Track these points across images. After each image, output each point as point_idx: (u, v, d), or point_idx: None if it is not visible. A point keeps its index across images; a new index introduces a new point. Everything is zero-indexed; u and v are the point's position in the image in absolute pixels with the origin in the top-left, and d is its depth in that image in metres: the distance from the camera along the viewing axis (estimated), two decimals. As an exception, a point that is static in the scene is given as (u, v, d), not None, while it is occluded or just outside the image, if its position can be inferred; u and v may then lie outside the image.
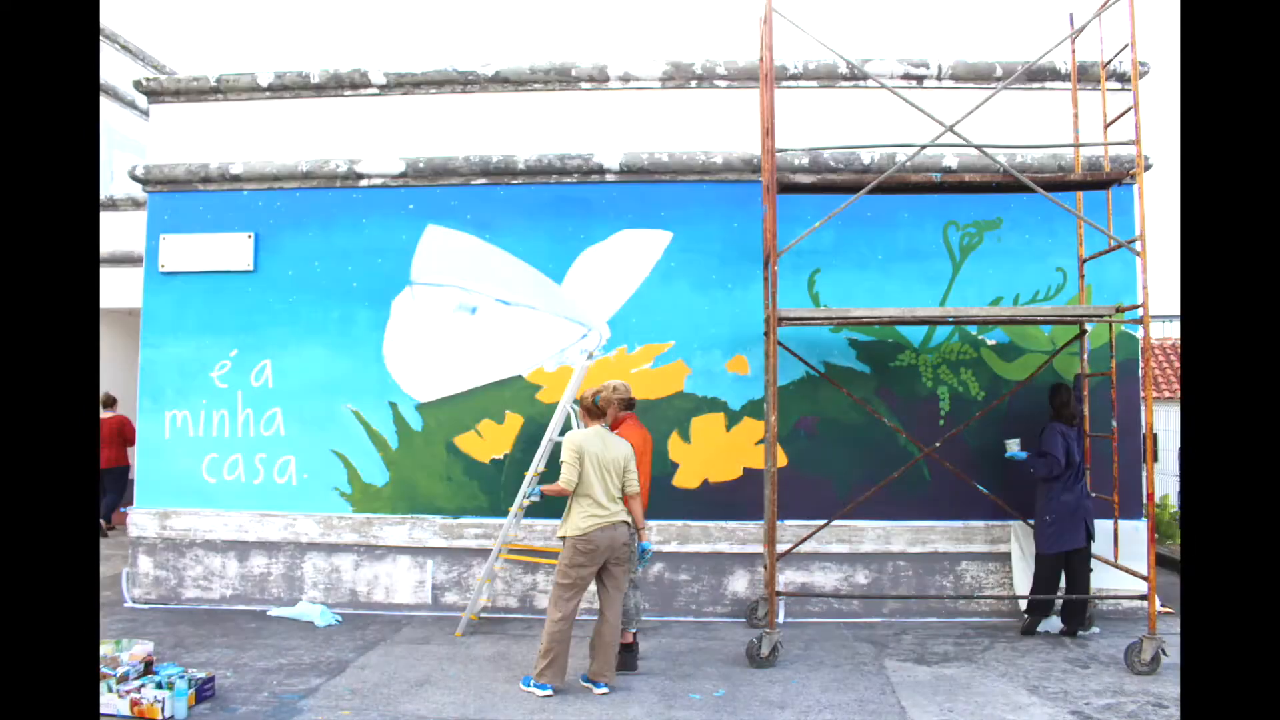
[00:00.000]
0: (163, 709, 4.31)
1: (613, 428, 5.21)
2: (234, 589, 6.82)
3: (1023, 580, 6.40)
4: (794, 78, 6.76)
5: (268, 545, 6.80)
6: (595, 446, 4.89)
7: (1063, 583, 6.07)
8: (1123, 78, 6.64)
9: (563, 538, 4.91)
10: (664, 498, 6.59)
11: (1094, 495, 6.14)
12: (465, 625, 6.07)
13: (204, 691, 4.62)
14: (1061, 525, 5.98)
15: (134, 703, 4.33)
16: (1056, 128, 6.67)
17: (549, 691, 4.80)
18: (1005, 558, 6.50)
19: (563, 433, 5.92)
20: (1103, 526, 6.31)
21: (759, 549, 6.51)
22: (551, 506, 6.49)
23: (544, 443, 6.03)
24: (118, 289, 8.14)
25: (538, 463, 5.99)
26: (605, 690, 4.86)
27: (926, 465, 6.49)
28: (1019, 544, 6.44)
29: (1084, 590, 5.98)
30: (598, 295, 6.72)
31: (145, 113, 8.05)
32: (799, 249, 6.65)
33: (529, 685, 4.87)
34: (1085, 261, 6.43)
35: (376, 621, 6.37)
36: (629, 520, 4.97)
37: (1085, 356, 6.36)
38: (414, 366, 6.77)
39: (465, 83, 6.92)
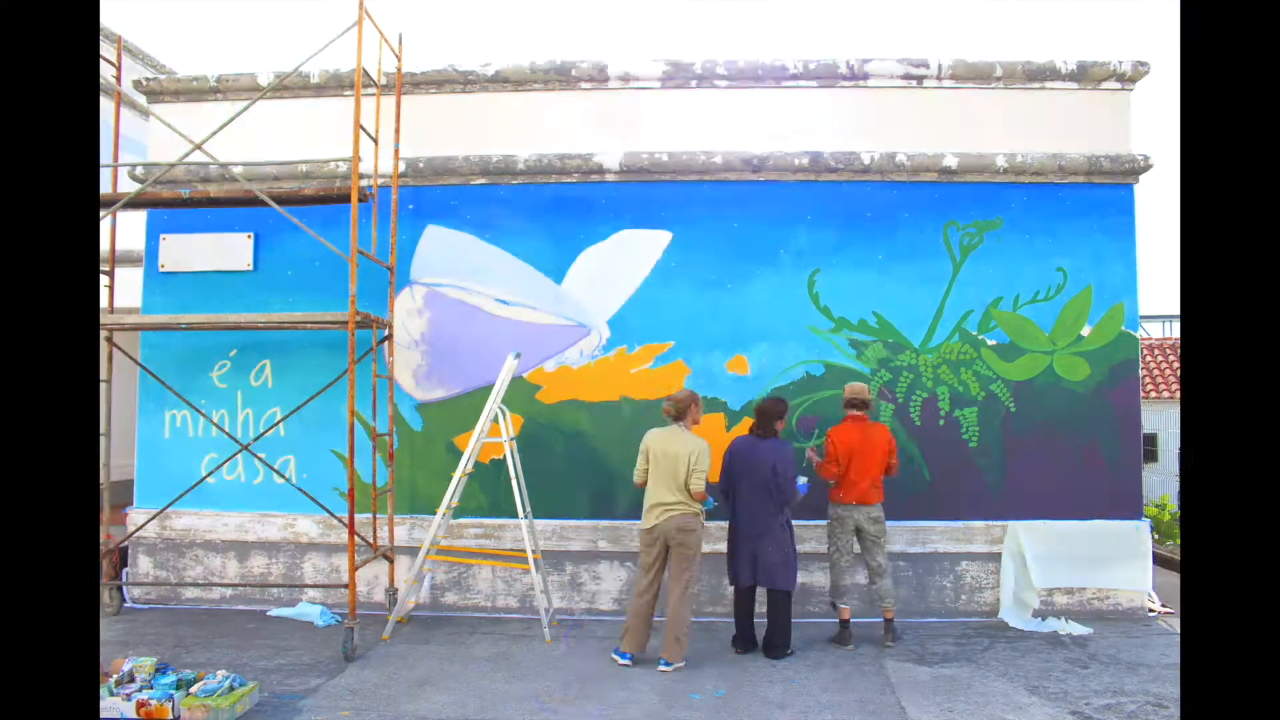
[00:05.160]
0: (172, 708, 4.32)
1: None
2: (234, 589, 6.82)
3: (1007, 583, 6.38)
4: (794, 77, 6.76)
5: (267, 545, 6.80)
6: (659, 443, 5.35)
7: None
8: (1122, 77, 6.65)
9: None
10: (664, 498, 6.58)
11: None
12: (392, 628, 5.98)
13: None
14: (734, 557, 5.60)
15: (140, 704, 4.32)
16: (1055, 127, 6.69)
17: (627, 661, 5.30)
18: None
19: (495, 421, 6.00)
20: (1104, 528, 6.30)
21: (759, 549, 6.50)
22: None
23: (472, 443, 5.97)
24: (118, 289, 8.12)
25: (465, 464, 5.96)
26: (666, 668, 5.20)
27: (926, 466, 6.50)
28: (1014, 545, 6.39)
29: (780, 625, 5.49)
30: (597, 295, 6.72)
31: (145, 113, 8.04)
32: (799, 249, 6.65)
33: (615, 654, 5.36)
34: None
35: (377, 621, 6.37)
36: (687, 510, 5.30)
37: None
38: (414, 366, 6.77)
39: (465, 82, 6.92)
